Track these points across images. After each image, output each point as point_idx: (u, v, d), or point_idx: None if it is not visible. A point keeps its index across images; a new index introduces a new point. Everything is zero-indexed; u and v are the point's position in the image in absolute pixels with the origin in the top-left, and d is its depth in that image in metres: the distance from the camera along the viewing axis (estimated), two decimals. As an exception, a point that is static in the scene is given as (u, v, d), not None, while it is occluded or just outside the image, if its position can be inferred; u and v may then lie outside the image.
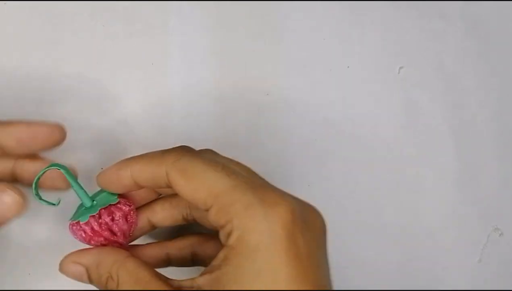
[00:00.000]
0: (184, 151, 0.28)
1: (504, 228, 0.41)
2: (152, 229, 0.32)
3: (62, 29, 0.39)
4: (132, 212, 0.31)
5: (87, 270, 0.28)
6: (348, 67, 0.42)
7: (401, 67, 0.42)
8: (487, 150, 0.42)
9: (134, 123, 0.38)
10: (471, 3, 0.44)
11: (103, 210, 0.30)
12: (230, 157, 0.39)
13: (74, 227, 0.30)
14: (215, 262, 0.25)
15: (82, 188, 0.30)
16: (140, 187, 0.29)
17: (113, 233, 0.30)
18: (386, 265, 0.40)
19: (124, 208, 0.30)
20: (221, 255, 0.25)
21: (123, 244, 0.31)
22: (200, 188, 0.26)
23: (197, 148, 0.39)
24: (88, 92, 0.38)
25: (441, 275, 0.40)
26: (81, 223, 0.30)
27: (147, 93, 0.39)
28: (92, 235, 0.30)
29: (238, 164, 0.29)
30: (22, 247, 0.36)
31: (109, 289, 0.27)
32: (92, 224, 0.30)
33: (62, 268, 0.29)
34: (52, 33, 0.39)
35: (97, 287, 0.29)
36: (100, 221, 0.30)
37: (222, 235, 0.26)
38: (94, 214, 0.30)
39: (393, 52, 0.42)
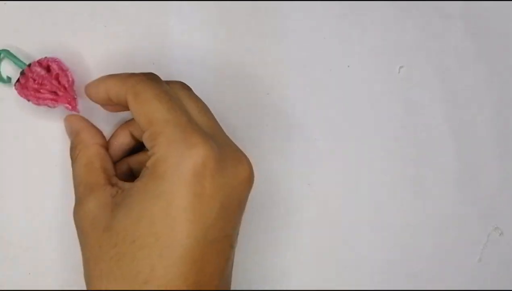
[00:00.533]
0: (146, 77, 0.31)
1: (504, 228, 0.41)
2: (135, 143, 0.35)
3: (62, 29, 0.39)
4: (57, 60, 0.36)
5: (69, 131, 0.35)
6: (348, 67, 0.42)
7: (401, 67, 0.42)
8: (487, 150, 0.42)
9: (134, 123, 0.38)
10: (471, 3, 0.44)
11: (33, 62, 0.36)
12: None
13: (19, 86, 0.35)
14: (139, 175, 0.29)
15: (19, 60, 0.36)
16: (114, 102, 0.32)
17: (47, 70, 0.35)
18: (386, 265, 0.40)
19: (50, 58, 0.36)
20: (142, 171, 0.29)
21: (68, 92, 0.35)
22: (142, 112, 0.29)
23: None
24: (88, 92, 0.38)
25: (441, 275, 0.40)
26: (20, 76, 0.35)
27: (147, 93, 0.39)
28: (28, 81, 0.35)
29: (198, 104, 0.32)
30: (22, 247, 0.36)
31: (71, 157, 0.33)
32: (26, 72, 0.35)
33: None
34: (52, 33, 0.39)
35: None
36: (28, 68, 0.35)
37: (148, 156, 0.29)
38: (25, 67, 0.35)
39: (393, 52, 0.42)
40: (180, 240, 0.26)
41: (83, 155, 0.32)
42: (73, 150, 0.33)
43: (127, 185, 0.30)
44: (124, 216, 0.28)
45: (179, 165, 0.27)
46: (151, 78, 0.31)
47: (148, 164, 0.28)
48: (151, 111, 0.29)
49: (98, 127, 0.35)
